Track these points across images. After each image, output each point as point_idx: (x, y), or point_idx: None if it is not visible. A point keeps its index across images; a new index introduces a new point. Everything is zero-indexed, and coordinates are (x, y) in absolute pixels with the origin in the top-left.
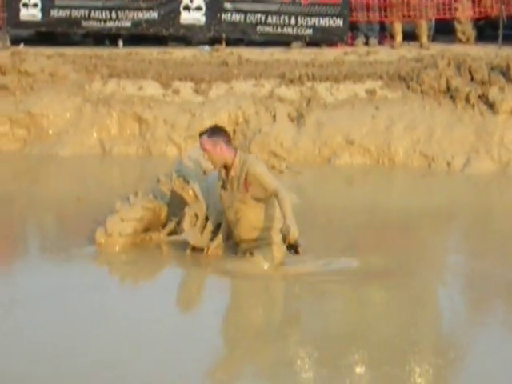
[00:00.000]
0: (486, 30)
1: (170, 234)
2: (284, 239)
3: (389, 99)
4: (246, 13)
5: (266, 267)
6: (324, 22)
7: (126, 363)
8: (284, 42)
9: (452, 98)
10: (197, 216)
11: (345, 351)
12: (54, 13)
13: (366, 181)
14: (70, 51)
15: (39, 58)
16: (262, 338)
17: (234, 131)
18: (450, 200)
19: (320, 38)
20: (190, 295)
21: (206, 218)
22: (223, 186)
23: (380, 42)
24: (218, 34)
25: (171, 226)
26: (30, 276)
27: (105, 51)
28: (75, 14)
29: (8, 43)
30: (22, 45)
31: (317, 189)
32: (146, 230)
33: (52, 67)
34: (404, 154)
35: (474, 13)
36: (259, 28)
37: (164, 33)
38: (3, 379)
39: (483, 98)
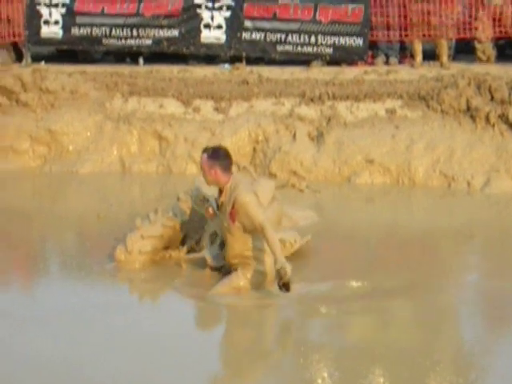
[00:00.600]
0: (507, 50)
1: (190, 251)
2: (278, 278)
3: (409, 118)
4: (266, 31)
5: (241, 284)
6: (344, 40)
7: (144, 379)
8: (304, 60)
9: (472, 117)
10: (216, 234)
11: (365, 370)
12: (75, 30)
13: (385, 200)
14: (90, 69)
15: (60, 75)
16: (283, 357)
17: (254, 149)
18: (469, 219)
19: (340, 57)
20: (209, 313)
21: None
22: (218, 207)
23: (400, 62)
24: (238, 52)
25: (191, 243)
26: (50, 293)
27: (125, 69)
28: (96, 31)
29: (29, 60)
30: (42, 62)
31: (337, 208)
32: (166, 247)
33: (73, 85)
34: (424, 173)
35: (495, 32)
36: (279, 47)
37: (185, 51)
38: None
39: (503, 117)
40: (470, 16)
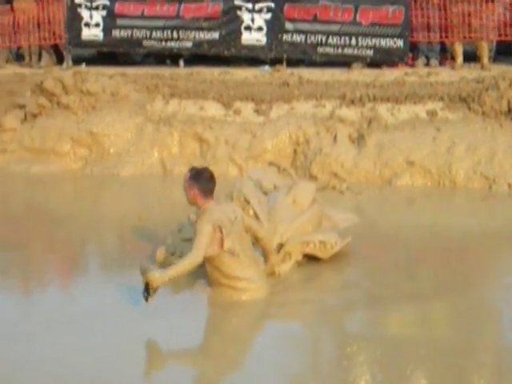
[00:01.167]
0: None
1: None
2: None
3: (450, 120)
4: (306, 33)
5: None
6: (384, 42)
7: None
8: (345, 62)
9: None
10: None
11: (408, 372)
12: (116, 33)
13: (426, 202)
14: (131, 71)
15: (101, 77)
16: (324, 358)
17: (295, 151)
18: (510, 221)
19: (380, 59)
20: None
21: None
22: None
23: (441, 63)
24: (279, 54)
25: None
26: (90, 294)
27: (166, 71)
28: (137, 33)
29: (70, 63)
30: (83, 65)
31: (377, 210)
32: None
33: (113, 87)
34: (465, 175)
35: None
36: (320, 49)
37: (225, 53)
38: None
39: None
40: (511, 17)
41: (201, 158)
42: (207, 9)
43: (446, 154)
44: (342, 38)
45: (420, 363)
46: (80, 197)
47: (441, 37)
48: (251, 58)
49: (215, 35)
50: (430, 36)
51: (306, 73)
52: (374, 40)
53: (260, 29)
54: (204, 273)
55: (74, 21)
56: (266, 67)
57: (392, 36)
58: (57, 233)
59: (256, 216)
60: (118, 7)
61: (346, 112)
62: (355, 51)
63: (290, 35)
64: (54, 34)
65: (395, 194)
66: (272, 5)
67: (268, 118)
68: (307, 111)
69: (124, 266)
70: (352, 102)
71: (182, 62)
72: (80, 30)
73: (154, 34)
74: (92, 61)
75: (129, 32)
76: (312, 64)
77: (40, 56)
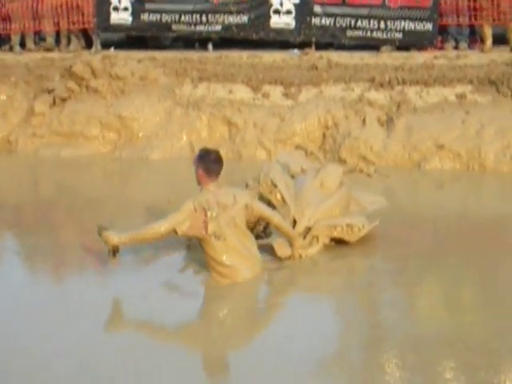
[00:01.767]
0: None
1: (258, 237)
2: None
3: (479, 103)
4: (335, 17)
5: None
6: (413, 25)
7: None
8: (373, 45)
9: None
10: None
11: (439, 356)
12: (145, 17)
13: (455, 186)
14: (160, 55)
15: (129, 61)
16: (357, 341)
17: (324, 135)
18: None
19: (409, 42)
20: (276, 299)
21: (294, 222)
22: None
23: (470, 46)
24: (308, 37)
25: (259, 229)
26: (121, 278)
27: (195, 55)
28: (165, 17)
29: (99, 47)
30: (112, 49)
31: (406, 193)
32: None
33: (142, 71)
34: (494, 158)
35: None
36: (349, 32)
37: (254, 37)
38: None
39: None
40: None
41: (229, 142)
42: None
43: (475, 137)
44: (371, 21)
45: (450, 347)
46: (109, 180)
47: (470, 19)
48: (280, 42)
49: (244, 19)
50: (459, 19)
51: (335, 56)
52: (402, 23)
53: (289, 12)
54: None
55: (102, 5)
56: (295, 50)
57: (421, 19)
58: (86, 217)
59: (283, 200)
60: None
61: (375, 95)
62: (384, 34)
63: (318, 18)
64: (82, 18)
65: (424, 178)
66: None
67: (297, 101)
68: (336, 94)
69: (154, 249)
70: (381, 85)
71: (210, 46)
72: (109, 14)
73: (182, 17)
74: (121, 45)
75: (157, 16)
76: (341, 47)
77: (69, 40)
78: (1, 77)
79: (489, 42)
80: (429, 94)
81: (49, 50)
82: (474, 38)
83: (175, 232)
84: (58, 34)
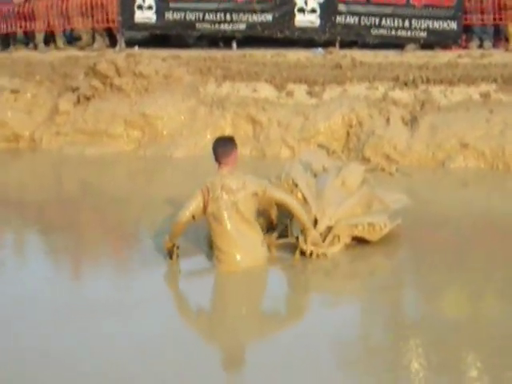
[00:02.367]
0: None
1: (280, 236)
2: None
3: (503, 102)
4: (360, 15)
5: None
6: (438, 24)
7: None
8: (398, 44)
9: None
10: None
11: (465, 356)
12: (169, 15)
13: (480, 185)
14: (184, 53)
15: (154, 60)
16: (377, 339)
17: (348, 134)
18: None
19: (434, 41)
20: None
21: (315, 221)
22: None
23: (494, 45)
24: (332, 36)
25: (281, 228)
26: (145, 276)
27: (219, 53)
28: (190, 16)
29: (123, 45)
30: (136, 47)
31: (430, 192)
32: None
33: (166, 69)
34: None
35: None
36: (374, 30)
37: (278, 35)
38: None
39: None
40: None
41: (253, 140)
42: None
43: (499, 136)
44: (396, 20)
45: (475, 347)
46: (133, 179)
47: (494, 19)
48: (304, 40)
49: (269, 17)
50: (484, 18)
51: (359, 55)
52: (427, 22)
53: (313, 11)
54: None
55: (126, 3)
56: (319, 49)
57: (445, 18)
58: (111, 214)
59: (304, 199)
60: None
61: (399, 94)
62: (408, 33)
63: (343, 17)
64: (107, 17)
65: (448, 177)
66: None
67: (321, 100)
68: (360, 93)
69: (188, 243)
70: (405, 84)
71: (234, 44)
72: (133, 12)
73: (207, 16)
74: (145, 43)
75: (182, 14)
76: (365, 46)
77: (93, 39)
78: (26, 75)
79: None
80: (453, 93)
81: (82, 48)
82: (499, 36)
83: (193, 217)
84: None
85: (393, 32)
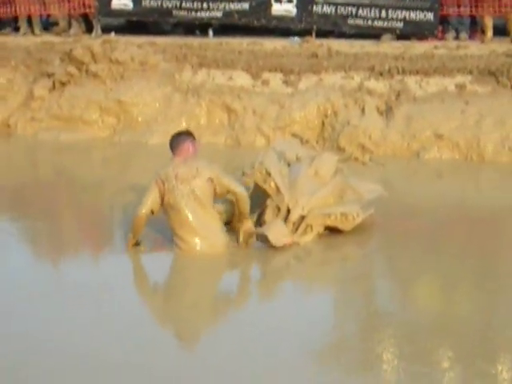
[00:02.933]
0: None
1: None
2: None
3: (478, 94)
4: (336, 5)
5: None
6: (414, 15)
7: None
8: (374, 34)
9: None
10: (278, 209)
11: (437, 345)
12: (146, 2)
13: (454, 176)
14: (160, 40)
15: (130, 46)
16: (349, 329)
17: (323, 123)
18: None
19: (410, 32)
20: (269, 288)
21: (288, 211)
22: None
23: (470, 37)
24: (309, 25)
25: (253, 218)
26: (116, 261)
27: (195, 41)
28: (167, 3)
29: (99, 32)
30: (112, 33)
31: (405, 182)
32: (229, 222)
33: (142, 56)
34: (493, 149)
35: None
36: (350, 20)
37: (255, 24)
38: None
39: None
40: None
41: (229, 128)
42: None
43: (474, 127)
44: (372, 10)
45: (446, 336)
46: (108, 165)
47: (471, 10)
48: (281, 29)
49: (245, 5)
50: (460, 9)
51: (335, 44)
52: (404, 12)
53: (290, 0)
54: None
55: None
56: (296, 38)
57: (422, 9)
58: (85, 200)
59: (277, 188)
60: None
61: (375, 84)
62: (385, 23)
63: (319, 6)
64: (83, 2)
65: (423, 167)
66: None
67: (296, 89)
68: (336, 83)
69: (151, 233)
70: (381, 74)
71: (211, 32)
72: None
73: (183, 3)
74: (121, 30)
75: (158, 1)
76: (341, 35)
77: (70, 25)
78: (1, 60)
79: (489, 32)
80: (428, 84)
81: (58, 34)
82: (475, 28)
83: (152, 212)
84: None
85: (369, 22)
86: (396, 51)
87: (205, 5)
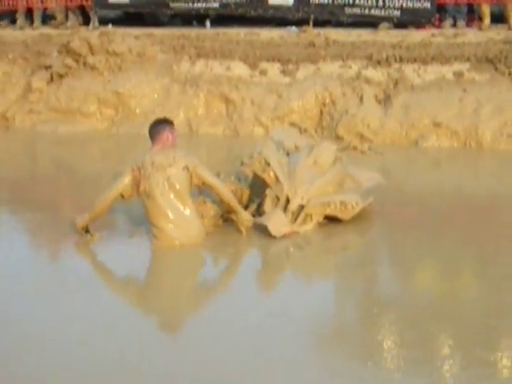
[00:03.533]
0: None
1: (252, 216)
2: None
3: (476, 81)
4: None
5: None
6: (412, 3)
7: None
8: (371, 23)
9: None
10: (278, 198)
11: (438, 332)
12: None
13: (453, 163)
14: (157, 32)
15: (127, 38)
16: (351, 316)
17: (321, 112)
18: None
19: (407, 20)
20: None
21: (287, 200)
22: None
23: (468, 24)
24: (306, 15)
25: (252, 208)
26: (116, 253)
27: (192, 32)
28: None
29: (96, 24)
30: (110, 25)
31: (404, 171)
32: (229, 212)
33: (140, 47)
34: (492, 136)
35: None
36: (347, 9)
37: (252, 14)
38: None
39: None
40: None
41: (227, 119)
42: None
43: (472, 115)
44: None
45: (447, 323)
46: (106, 157)
47: None
48: (278, 19)
49: None
50: None
51: (333, 33)
52: (401, 1)
53: None
54: None
55: None
56: (293, 28)
57: None
58: (83, 192)
59: (276, 178)
60: None
61: (373, 73)
62: (382, 12)
63: None
64: None
65: (421, 156)
66: None
67: (294, 78)
68: (333, 72)
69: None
70: (378, 62)
71: (208, 23)
72: None
73: None
74: (118, 22)
75: None
76: (339, 25)
77: (67, 17)
78: None
79: (487, 20)
80: (426, 72)
81: (56, 27)
82: (472, 16)
83: (122, 196)
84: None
85: (366, 11)
86: (393, 40)
87: None
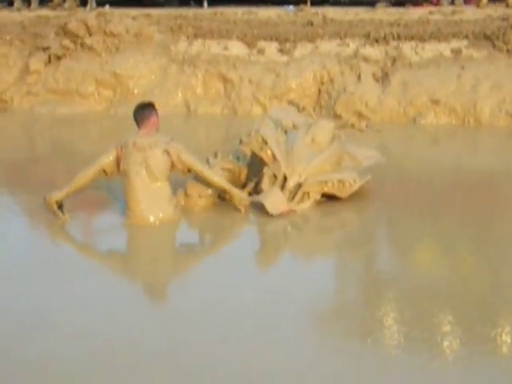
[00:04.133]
0: None
1: (250, 194)
2: None
3: (474, 58)
4: None
5: None
6: None
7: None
8: (369, 1)
9: None
10: (275, 177)
11: (437, 310)
12: None
13: (451, 140)
14: (154, 12)
15: (124, 19)
16: (350, 294)
17: (319, 91)
18: None
19: None
20: (269, 255)
21: (284, 179)
22: None
23: (465, 2)
24: None
25: (250, 186)
26: (114, 235)
27: (190, 12)
28: None
29: (93, 5)
30: (107, 6)
31: (402, 148)
32: (225, 192)
33: (137, 28)
34: (490, 113)
35: None
36: None
37: None
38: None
39: None
40: None
41: (225, 98)
42: None
43: (470, 92)
44: None
45: (447, 301)
46: (104, 137)
47: None
48: None
49: None
50: None
51: (330, 12)
52: None
53: None
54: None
55: None
56: (290, 7)
57: None
58: None
59: (273, 156)
60: None
61: (370, 51)
62: None
63: None
64: None
65: (419, 133)
66: None
67: (292, 57)
68: (331, 50)
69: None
70: (376, 40)
71: (205, 3)
72: None
73: None
74: (116, 2)
75: None
76: (336, 3)
77: None
78: None
79: None
80: (424, 50)
81: (54, 8)
82: None
83: (105, 173)
84: None
85: None
86: (391, 17)
87: None
